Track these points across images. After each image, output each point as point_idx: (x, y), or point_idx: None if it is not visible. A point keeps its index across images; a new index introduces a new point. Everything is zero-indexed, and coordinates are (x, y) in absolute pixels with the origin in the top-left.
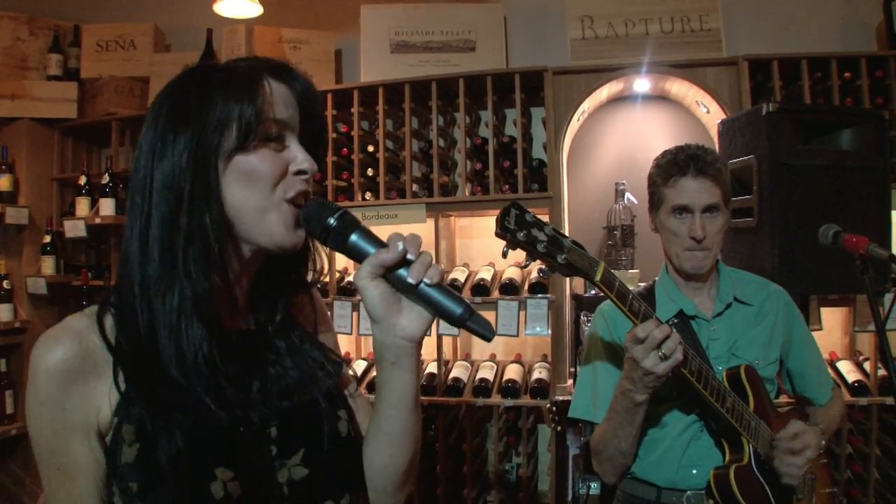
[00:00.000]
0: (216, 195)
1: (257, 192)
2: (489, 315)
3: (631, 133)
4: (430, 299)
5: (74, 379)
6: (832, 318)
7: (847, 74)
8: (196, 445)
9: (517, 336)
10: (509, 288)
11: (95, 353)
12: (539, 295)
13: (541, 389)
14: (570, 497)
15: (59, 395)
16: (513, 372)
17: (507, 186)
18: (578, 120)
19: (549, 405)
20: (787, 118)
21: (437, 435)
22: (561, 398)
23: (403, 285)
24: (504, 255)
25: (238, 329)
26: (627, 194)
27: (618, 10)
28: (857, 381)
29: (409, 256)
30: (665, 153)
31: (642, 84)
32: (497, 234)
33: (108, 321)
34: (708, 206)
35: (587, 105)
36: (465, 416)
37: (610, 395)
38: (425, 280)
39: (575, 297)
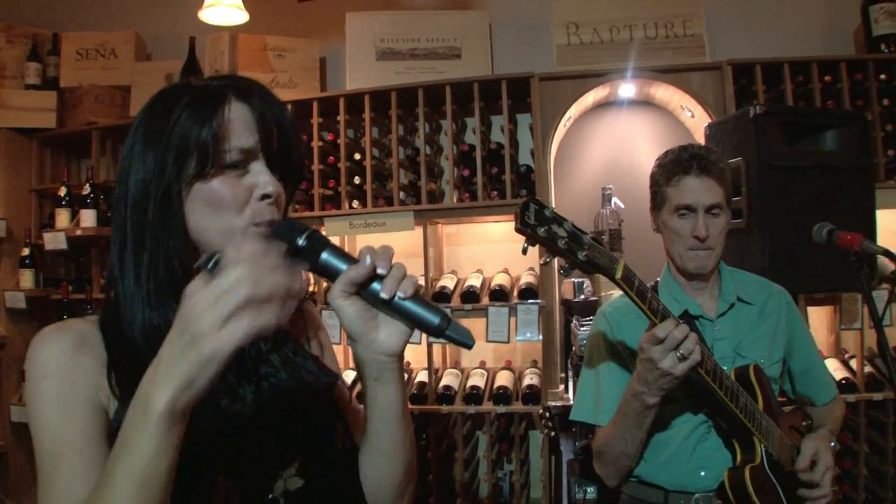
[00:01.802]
0: (178, 220)
1: (219, 219)
2: (479, 322)
3: (617, 138)
4: (406, 312)
5: (82, 355)
6: (817, 317)
7: (828, 78)
8: (194, 452)
9: (508, 342)
10: (499, 294)
11: (98, 349)
12: (529, 301)
13: (532, 395)
14: (565, 502)
15: (66, 367)
16: (504, 378)
17: (496, 193)
18: (565, 126)
19: (541, 410)
20: (774, 121)
21: (428, 444)
22: (553, 403)
23: (377, 301)
24: (524, 251)
25: None
26: (614, 199)
27: (602, 16)
28: (845, 379)
29: (379, 271)
30: (668, 152)
31: (627, 89)
32: (517, 230)
33: (109, 328)
34: (711, 206)
35: (573, 111)
36: (456, 424)
37: (613, 397)
38: (399, 294)
39: (564, 302)
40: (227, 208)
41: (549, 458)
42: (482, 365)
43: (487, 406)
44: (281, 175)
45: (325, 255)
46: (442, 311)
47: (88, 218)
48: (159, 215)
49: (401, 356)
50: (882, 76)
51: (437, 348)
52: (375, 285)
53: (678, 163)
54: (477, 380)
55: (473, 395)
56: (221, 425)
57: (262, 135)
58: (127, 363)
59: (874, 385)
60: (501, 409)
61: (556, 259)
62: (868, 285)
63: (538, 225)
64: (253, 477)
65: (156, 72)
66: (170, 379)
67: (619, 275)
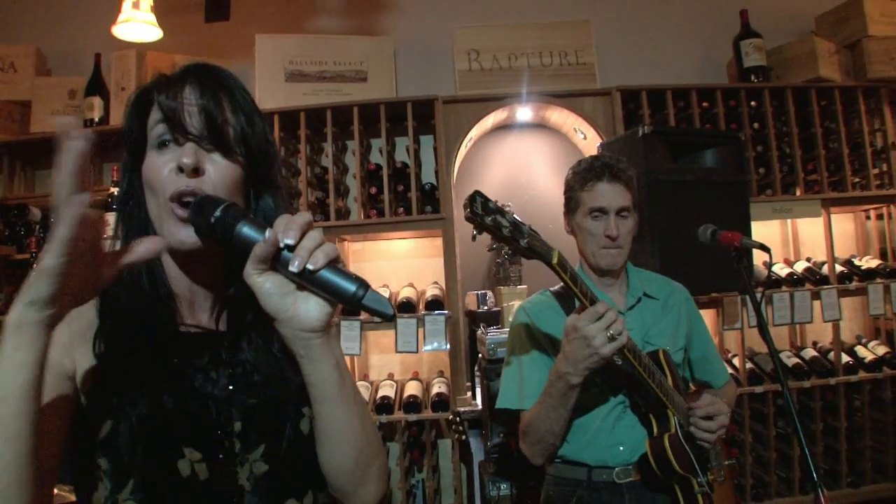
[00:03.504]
0: (141, 208)
1: (152, 200)
2: (388, 334)
3: (515, 158)
4: (321, 284)
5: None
6: None
7: (705, 104)
8: (163, 420)
9: (417, 352)
10: (407, 306)
11: (85, 314)
12: (436, 312)
13: (441, 403)
14: (479, 502)
15: None
16: (413, 388)
17: (402, 209)
18: (466, 146)
19: (451, 416)
20: (660, 139)
21: None
22: (462, 409)
23: (291, 274)
24: (473, 238)
25: (207, 329)
26: (514, 215)
27: (501, 44)
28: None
29: (287, 242)
30: (580, 162)
31: (525, 113)
32: (467, 219)
33: (107, 298)
34: (621, 209)
35: (474, 132)
36: None
37: (536, 382)
38: (308, 266)
39: (468, 313)
40: (155, 187)
41: (459, 460)
42: (391, 377)
43: (398, 415)
44: (224, 154)
45: (241, 228)
46: (359, 279)
47: None
48: (128, 203)
49: (324, 330)
50: (752, 103)
51: (346, 361)
52: (287, 256)
53: (591, 170)
54: (387, 390)
55: (384, 405)
56: (193, 404)
57: (170, 111)
58: (113, 329)
59: (755, 379)
60: (412, 417)
61: (477, 244)
62: (748, 276)
63: (485, 214)
64: (222, 456)
65: (58, 87)
66: (19, 299)
67: (555, 260)
